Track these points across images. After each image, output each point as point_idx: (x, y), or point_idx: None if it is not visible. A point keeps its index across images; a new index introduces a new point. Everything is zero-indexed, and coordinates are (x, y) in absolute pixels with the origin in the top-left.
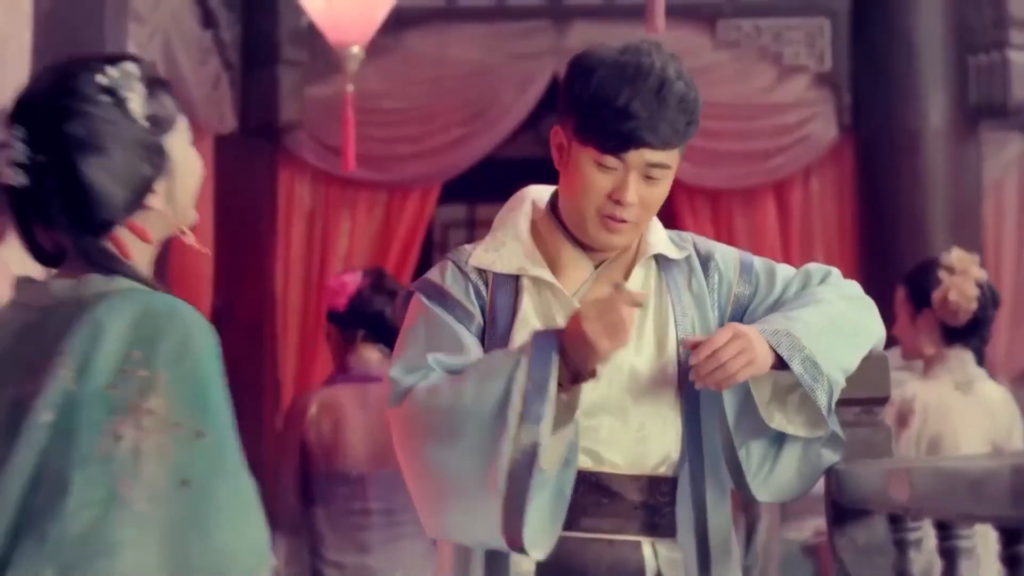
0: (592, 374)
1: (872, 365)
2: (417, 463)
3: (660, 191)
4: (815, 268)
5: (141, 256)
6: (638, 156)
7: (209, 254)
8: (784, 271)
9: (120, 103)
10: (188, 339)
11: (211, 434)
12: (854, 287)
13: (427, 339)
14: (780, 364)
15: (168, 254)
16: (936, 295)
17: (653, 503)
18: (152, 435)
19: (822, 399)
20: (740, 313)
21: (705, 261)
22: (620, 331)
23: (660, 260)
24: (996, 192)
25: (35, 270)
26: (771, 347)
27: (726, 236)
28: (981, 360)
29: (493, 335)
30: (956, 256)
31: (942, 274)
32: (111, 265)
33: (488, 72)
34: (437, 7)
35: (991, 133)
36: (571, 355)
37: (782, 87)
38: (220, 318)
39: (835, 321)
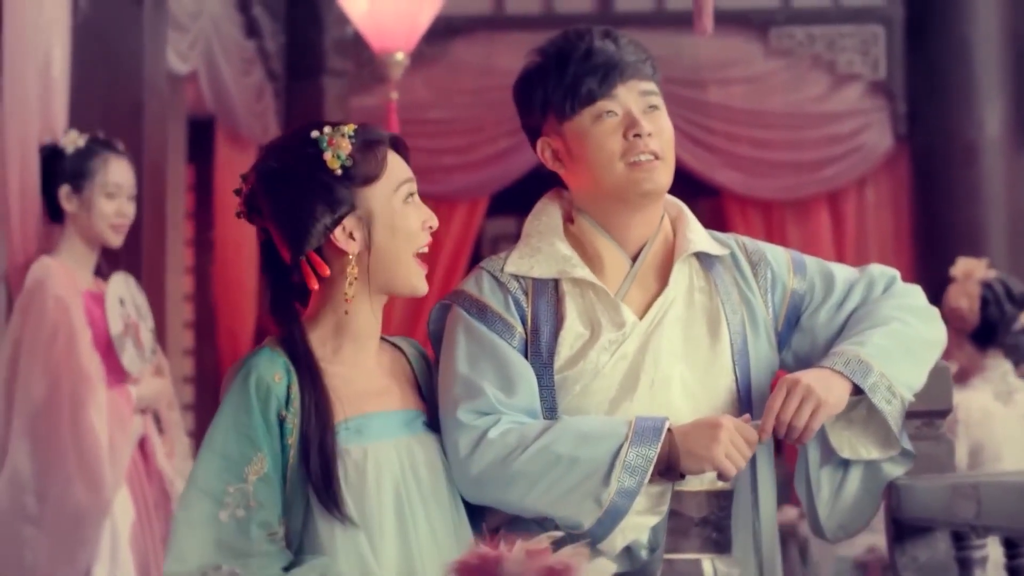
0: (682, 476)
1: (934, 377)
2: (509, 504)
3: (667, 123)
4: (879, 274)
5: None
6: (628, 90)
7: None
8: (843, 273)
9: None
10: None
11: None
12: (918, 295)
13: (473, 361)
14: (855, 391)
15: (211, 268)
16: (943, 307)
17: (712, 519)
18: None
19: (895, 421)
20: (795, 313)
21: (756, 261)
22: (741, 462)
23: (702, 259)
24: None
25: (86, 276)
26: (847, 377)
27: None
28: None
29: (537, 345)
30: (960, 265)
31: (948, 286)
32: None
33: None
34: (484, 15)
35: None
36: (681, 455)
37: (836, 96)
38: (263, 332)
39: (905, 341)
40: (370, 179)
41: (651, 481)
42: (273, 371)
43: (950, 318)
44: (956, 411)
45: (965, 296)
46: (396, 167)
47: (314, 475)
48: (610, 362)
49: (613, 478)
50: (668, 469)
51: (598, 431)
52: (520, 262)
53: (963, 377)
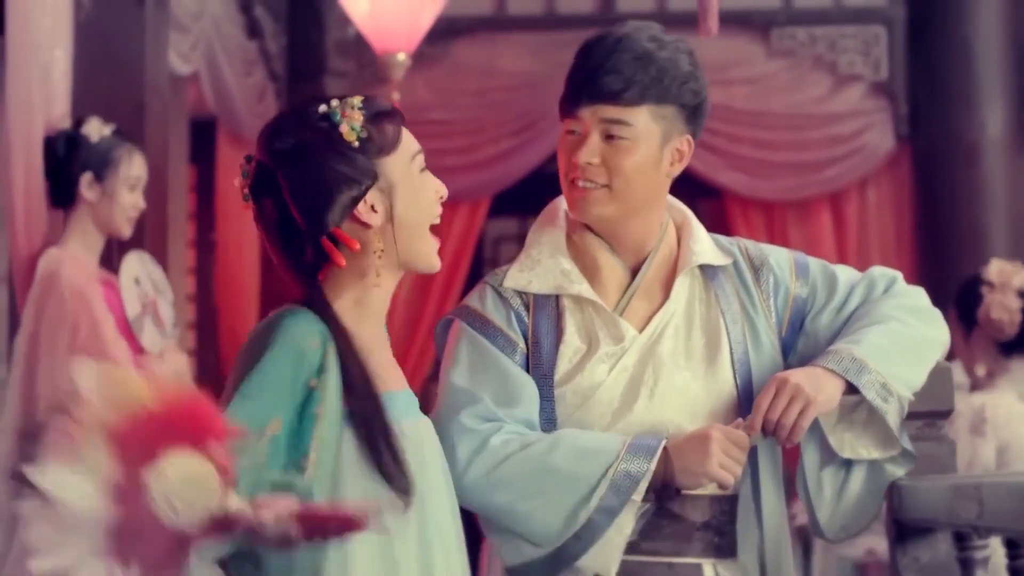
0: (679, 492)
1: (936, 378)
2: (495, 508)
3: (626, 155)
4: (879, 275)
5: None
6: (591, 113)
7: None
8: (845, 274)
9: None
10: None
11: None
12: (919, 296)
13: (475, 372)
14: (850, 389)
15: (213, 267)
16: (980, 313)
17: (714, 523)
18: None
19: (893, 420)
20: (799, 317)
21: (759, 266)
22: (736, 469)
23: (705, 268)
24: None
25: (94, 263)
26: (839, 375)
27: None
28: None
29: (538, 358)
30: (995, 269)
31: (983, 290)
32: None
33: (538, 82)
34: (486, 16)
35: None
36: (676, 472)
37: (837, 96)
38: None
39: (902, 339)
40: (387, 150)
41: (645, 499)
42: (310, 337)
43: (987, 327)
44: (984, 411)
45: (1006, 311)
46: (408, 138)
47: (380, 449)
48: (610, 375)
49: (596, 495)
50: (665, 487)
51: (594, 447)
52: (519, 276)
53: (987, 378)
